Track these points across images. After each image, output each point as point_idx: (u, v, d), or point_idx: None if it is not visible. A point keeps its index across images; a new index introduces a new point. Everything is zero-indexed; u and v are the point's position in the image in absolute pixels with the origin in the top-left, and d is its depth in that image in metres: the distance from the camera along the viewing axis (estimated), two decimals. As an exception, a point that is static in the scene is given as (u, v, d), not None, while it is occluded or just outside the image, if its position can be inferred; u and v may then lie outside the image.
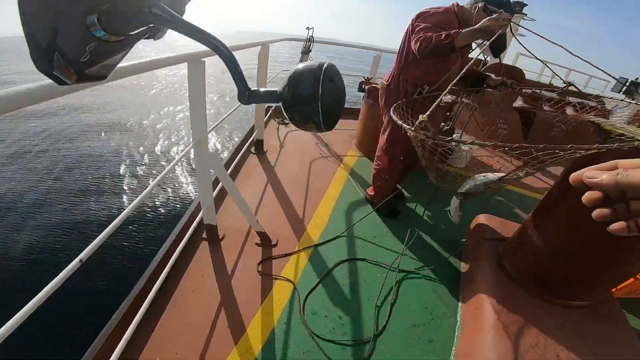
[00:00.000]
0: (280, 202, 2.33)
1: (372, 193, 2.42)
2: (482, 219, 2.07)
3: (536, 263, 1.47)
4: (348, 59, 46.40)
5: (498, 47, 1.73)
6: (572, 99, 2.29)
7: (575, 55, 1.52)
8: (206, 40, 0.42)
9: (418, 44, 1.73)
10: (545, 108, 3.11)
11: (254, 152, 3.04)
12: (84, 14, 0.33)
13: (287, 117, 0.49)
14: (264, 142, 3.14)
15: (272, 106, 3.92)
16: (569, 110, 2.05)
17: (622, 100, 1.68)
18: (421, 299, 1.66)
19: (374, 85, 3.29)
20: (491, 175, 1.55)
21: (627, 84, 5.28)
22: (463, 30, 1.61)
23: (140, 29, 0.41)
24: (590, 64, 1.64)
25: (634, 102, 1.62)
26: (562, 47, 1.52)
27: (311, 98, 0.46)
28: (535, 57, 1.64)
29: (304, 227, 2.09)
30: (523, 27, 1.60)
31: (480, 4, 1.76)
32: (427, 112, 1.24)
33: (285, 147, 3.32)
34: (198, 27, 0.42)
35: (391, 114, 1.50)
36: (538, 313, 1.37)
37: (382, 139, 2.17)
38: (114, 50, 0.39)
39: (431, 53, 1.71)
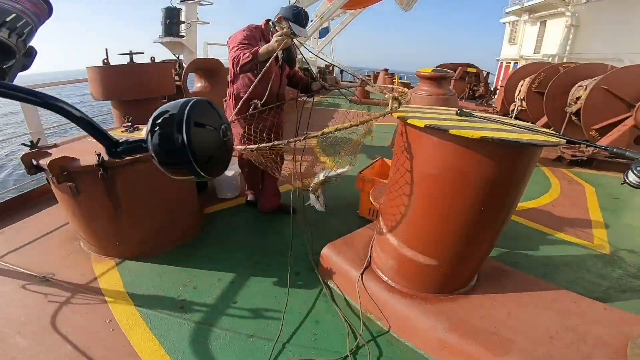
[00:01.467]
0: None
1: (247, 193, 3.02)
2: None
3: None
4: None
5: (289, 57, 2.21)
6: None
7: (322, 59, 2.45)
8: (46, 103, 0.36)
9: (232, 63, 2.10)
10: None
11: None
12: None
13: (162, 169, 0.41)
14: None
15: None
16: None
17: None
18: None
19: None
20: (327, 171, 2.06)
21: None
22: (261, 48, 1.98)
23: None
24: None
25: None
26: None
27: (179, 150, 0.37)
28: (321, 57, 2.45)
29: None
30: (301, 42, 2.16)
31: (283, 22, 2.17)
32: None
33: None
34: (31, 90, 0.35)
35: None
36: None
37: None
38: None
39: (245, 69, 2.06)
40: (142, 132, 2.29)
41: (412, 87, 10.85)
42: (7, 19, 0.39)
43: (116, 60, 2.91)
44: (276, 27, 2.19)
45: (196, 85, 4.78)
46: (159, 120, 0.40)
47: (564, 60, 11.02)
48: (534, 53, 13.44)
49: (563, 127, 5.79)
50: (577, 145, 5.85)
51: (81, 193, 2.00)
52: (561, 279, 2.30)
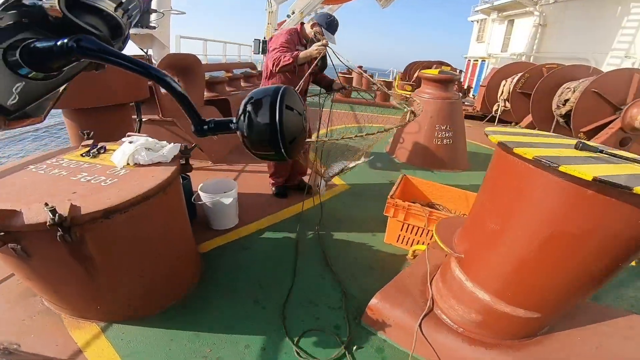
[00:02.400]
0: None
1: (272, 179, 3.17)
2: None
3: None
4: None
5: (324, 64, 2.60)
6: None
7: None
8: (151, 74, 0.39)
9: (272, 62, 2.41)
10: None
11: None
12: (2, 51, 0.30)
13: (246, 147, 0.46)
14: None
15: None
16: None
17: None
18: None
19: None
20: (345, 162, 2.60)
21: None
22: (301, 53, 2.37)
23: (70, 65, 0.36)
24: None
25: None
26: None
27: (270, 127, 0.42)
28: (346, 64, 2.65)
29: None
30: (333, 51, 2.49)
31: (315, 28, 2.52)
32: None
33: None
34: (140, 61, 0.38)
35: None
36: None
37: None
38: (48, 89, 0.34)
39: (283, 69, 2.45)
40: (113, 157, 1.64)
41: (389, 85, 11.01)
42: (124, 0, 0.42)
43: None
44: (316, 36, 2.57)
45: (168, 84, 4.01)
46: (252, 101, 0.44)
47: (531, 59, 11.41)
48: (501, 51, 13.83)
49: (552, 128, 5.79)
50: None
51: (33, 256, 1.34)
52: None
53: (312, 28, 2.58)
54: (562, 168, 1.01)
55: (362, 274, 2.24)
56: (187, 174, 2.15)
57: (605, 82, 5.06)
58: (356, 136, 2.02)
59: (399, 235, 2.54)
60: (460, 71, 12.95)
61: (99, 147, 1.81)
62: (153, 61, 3.28)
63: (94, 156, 1.74)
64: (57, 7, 0.35)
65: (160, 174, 1.55)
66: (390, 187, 3.64)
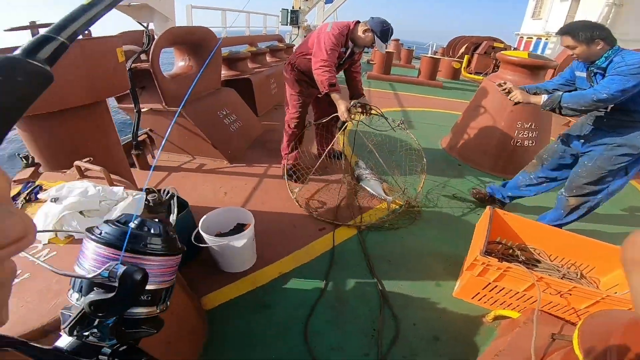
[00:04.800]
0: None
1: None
2: None
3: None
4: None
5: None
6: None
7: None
8: None
9: (318, 78, 2.39)
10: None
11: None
12: None
13: None
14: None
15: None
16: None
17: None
18: None
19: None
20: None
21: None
22: (337, 97, 2.39)
23: None
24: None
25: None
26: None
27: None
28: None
29: None
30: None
31: (369, 34, 2.37)
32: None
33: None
34: None
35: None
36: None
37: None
38: None
39: (322, 84, 2.39)
40: (37, 220, 0.95)
41: (419, 60, 9.64)
42: None
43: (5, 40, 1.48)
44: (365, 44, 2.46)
45: (177, 64, 3.27)
46: None
47: None
48: None
49: None
50: None
51: None
52: None
53: (364, 33, 2.38)
54: None
55: (424, 349, 1.55)
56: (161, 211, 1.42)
57: None
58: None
59: (478, 293, 1.76)
60: (515, 49, 11.32)
61: (30, 188, 1.13)
62: (155, 36, 2.52)
63: (21, 206, 1.07)
64: None
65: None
66: (452, 202, 2.83)
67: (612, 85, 1.75)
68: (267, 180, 2.94)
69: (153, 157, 3.06)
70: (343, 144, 3.65)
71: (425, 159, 2.70)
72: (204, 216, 1.79)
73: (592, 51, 1.82)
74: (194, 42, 2.88)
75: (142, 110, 2.75)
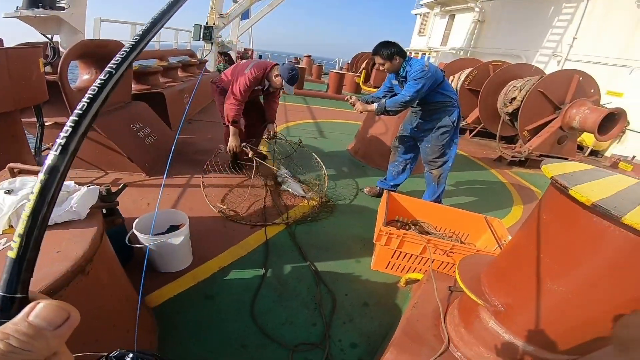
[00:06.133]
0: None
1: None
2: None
3: None
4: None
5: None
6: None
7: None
8: None
9: (226, 110, 2.97)
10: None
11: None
12: None
13: None
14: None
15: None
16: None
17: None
18: None
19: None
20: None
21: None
22: (233, 131, 3.03)
23: None
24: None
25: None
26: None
27: None
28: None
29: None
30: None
31: (279, 78, 2.87)
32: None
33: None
34: None
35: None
36: None
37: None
38: None
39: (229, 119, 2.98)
40: None
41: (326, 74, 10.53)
42: None
43: None
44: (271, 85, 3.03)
45: (82, 77, 3.10)
46: None
47: (468, 54, 11.99)
48: (441, 45, 14.36)
49: (499, 127, 5.99)
50: (513, 146, 6.21)
51: None
52: None
53: (275, 77, 2.89)
54: None
55: (358, 314, 1.89)
56: (115, 200, 1.48)
57: (550, 82, 5.32)
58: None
59: (389, 262, 2.23)
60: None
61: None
62: (61, 49, 2.43)
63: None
64: None
65: (70, 247, 0.97)
66: (361, 196, 3.36)
67: (410, 89, 2.52)
68: (191, 190, 3.00)
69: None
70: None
71: (324, 168, 3.28)
72: (137, 218, 1.84)
73: (394, 65, 2.60)
74: (104, 55, 2.82)
75: (46, 124, 2.57)
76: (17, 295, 0.27)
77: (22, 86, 1.55)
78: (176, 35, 8.04)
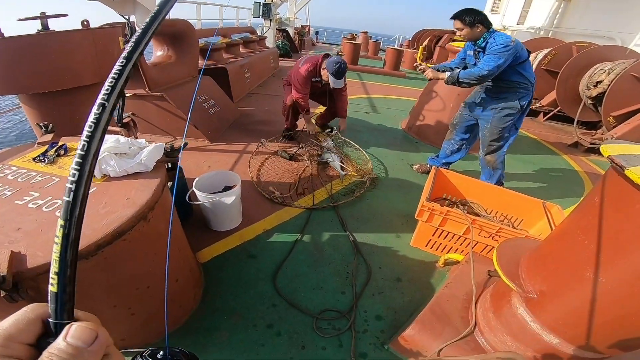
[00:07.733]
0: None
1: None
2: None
3: None
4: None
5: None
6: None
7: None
8: None
9: (298, 103, 3.26)
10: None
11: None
12: None
13: None
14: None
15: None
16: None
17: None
18: None
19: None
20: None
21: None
22: (308, 120, 3.47)
23: None
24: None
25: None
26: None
27: None
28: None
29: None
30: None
31: (325, 71, 3.01)
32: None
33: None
34: None
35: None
36: None
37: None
38: None
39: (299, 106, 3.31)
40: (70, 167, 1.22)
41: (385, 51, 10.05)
42: None
43: (16, 28, 1.67)
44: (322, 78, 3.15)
45: (155, 54, 3.47)
46: None
47: (550, 35, 10.47)
48: (517, 24, 12.72)
49: (578, 110, 5.24)
50: (594, 132, 5.41)
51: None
52: None
53: (322, 70, 3.02)
54: None
55: (389, 288, 1.92)
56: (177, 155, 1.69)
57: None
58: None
59: (430, 240, 2.19)
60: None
61: (57, 146, 1.39)
62: (137, 28, 2.72)
63: (51, 162, 1.33)
64: None
65: (137, 195, 1.15)
66: (410, 172, 3.28)
67: (489, 63, 2.26)
68: (246, 155, 3.24)
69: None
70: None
71: (365, 154, 3.43)
72: (197, 178, 2.08)
73: (474, 33, 2.33)
74: (174, 33, 3.09)
75: (126, 95, 2.94)
76: (64, 321, 0.32)
77: (105, 61, 1.82)
78: (237, 13, 8.35)
